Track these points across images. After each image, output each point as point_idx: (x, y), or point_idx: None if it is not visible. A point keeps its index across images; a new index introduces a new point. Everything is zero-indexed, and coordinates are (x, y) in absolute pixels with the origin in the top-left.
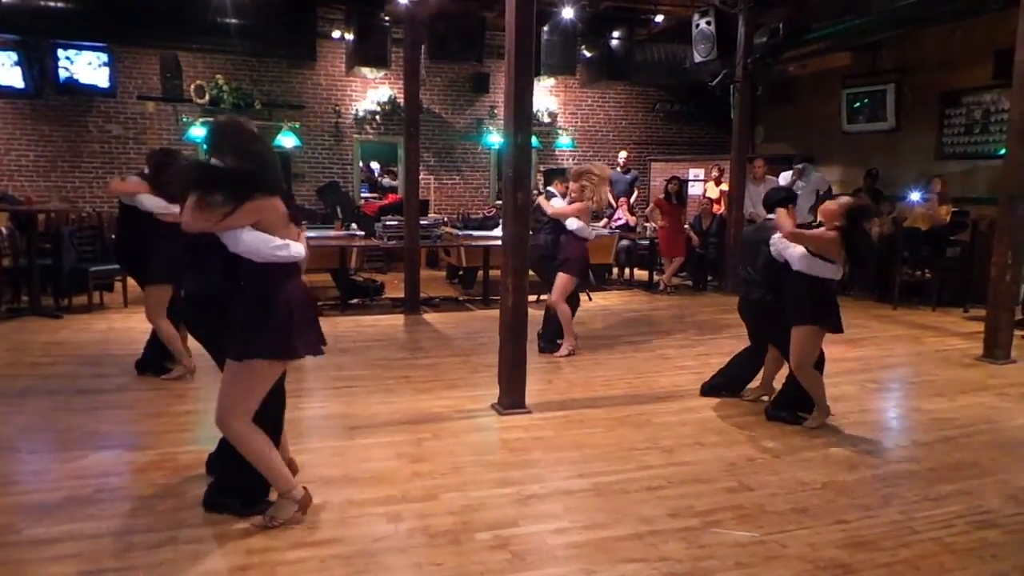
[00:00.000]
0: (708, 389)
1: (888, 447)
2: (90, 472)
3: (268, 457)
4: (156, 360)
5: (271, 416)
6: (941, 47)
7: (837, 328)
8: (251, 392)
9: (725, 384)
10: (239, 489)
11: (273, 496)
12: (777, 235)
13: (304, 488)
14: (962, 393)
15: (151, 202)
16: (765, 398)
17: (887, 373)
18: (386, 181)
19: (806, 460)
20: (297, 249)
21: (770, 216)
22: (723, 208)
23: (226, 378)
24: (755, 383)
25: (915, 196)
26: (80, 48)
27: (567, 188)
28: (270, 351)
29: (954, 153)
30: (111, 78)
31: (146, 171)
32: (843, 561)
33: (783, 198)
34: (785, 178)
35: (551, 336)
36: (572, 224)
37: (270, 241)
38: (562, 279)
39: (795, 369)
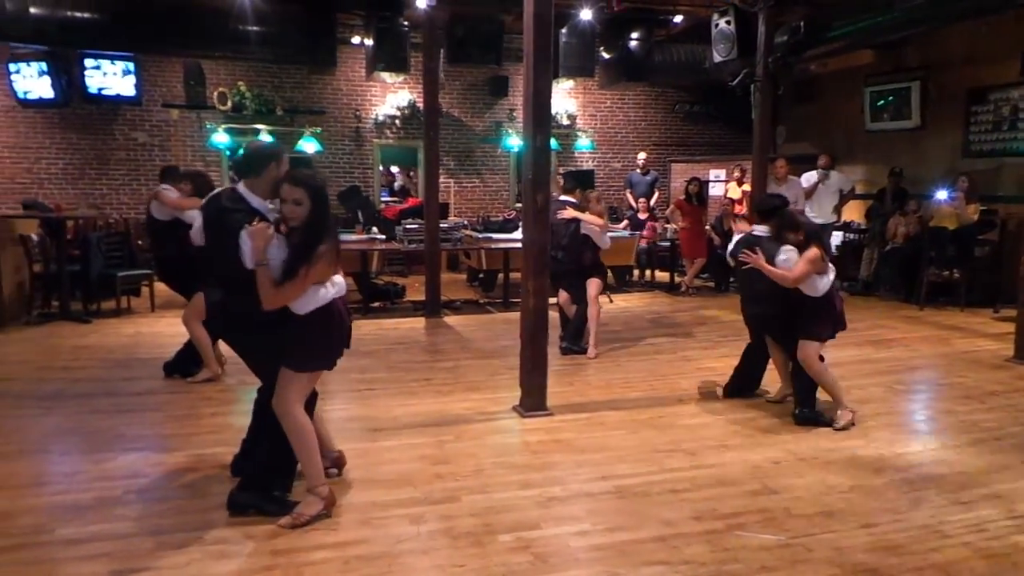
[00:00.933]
0: (730, 391)
1: (917, 450)
2: (119, 473)
3: (313, 449)
4: (184, 363)
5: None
6: (967, 44)
7: (841, 327)
8: (306, 389)
9: (743, 383)
10: (263, 486)
11: (295, 496)
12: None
13: (329, 487)
14: (992, 395)
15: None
16: (790, 397)
17: (915, 375)
18: (396, 184)
19: (832, 463)
20: (340, 286)
21: (759, 230)
22: (745, 209)
23: (283, 381)
24: (778, 385)
25: (942, 195)
26: (106, 58)
27: (584, 198)
28: (325, 363)
29: (981, 151)
30: (136, 86)
31: (174, 187)
32: (871, 566)
33: (775, 207)
34: (809, 179)
35: (573, 335)
36: (606, 244)
37: (317, 292)
38: (597, 284)
39: (805, 368)
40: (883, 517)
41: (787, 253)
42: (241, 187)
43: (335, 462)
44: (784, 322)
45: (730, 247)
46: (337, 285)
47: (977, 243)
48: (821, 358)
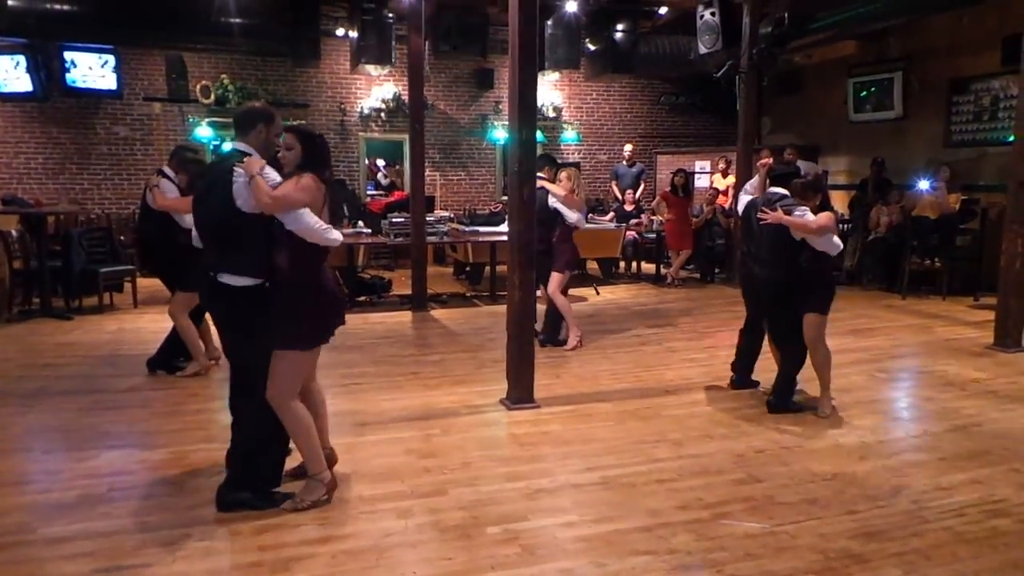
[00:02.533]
0: (740, 383)
1: (898, 437)
2: (104, 471)
3: (311, 435)
4: (168, 358)
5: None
6: (949, 34)
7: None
8: (298, 373)
9: (749, 371)
10: (252, 481)
11: (286, 488)
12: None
13: (331, 473)
14: (973, 382)
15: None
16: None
17: (897, 363)
18: (380, 177)
19: (815, 451)
20: (338, 234)
21: (776, 189)
22: (729, 200)
23: (274, 364)
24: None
25: (924, 184)
26: (87, 50)
27: (555, 176)
28: (311, 342)
29: (963, 140)
30: (117, 80)
31: (166, 170)
32: (854, 551)
33: (789, 172)
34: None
35: (553, 328)
36: (572, 217)
37: (320, 223)
38: (557, 279)
39: (811, 347)
40: (865, 503)
41: (804, 211)
42: (237, 144)
43: (326, 459)
44: (785, 291)
45: (740, 206)
46: (335, 232)
47: (959, 232)
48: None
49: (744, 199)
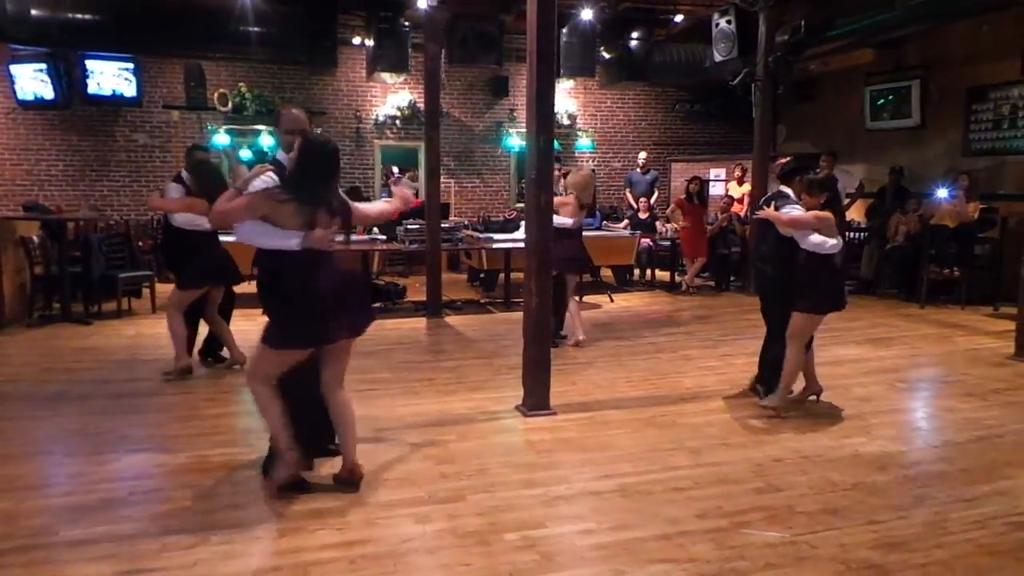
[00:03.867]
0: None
1: (919, 447)
2: (124, 474)
3: (276, 420)
4: (215, 350)
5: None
6: (968, 42)
7: (839, 304)
8: (264, 363)
9: (774, 378)
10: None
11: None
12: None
13: (295, 453)
14: (994, 392)
15: (181, 218)
16: (813, 398)
17: (916, 372)
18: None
19: (835, 460)
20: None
21: (781, 188)
22: (745, 207)
23: (255, 350)
24: (799, 384)
25: (942, 193)
26: (107, 59)
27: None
28: (276, 342)
29: (982, 149)
30: (137, 88)
31: (183, 173)
32: (876, 562)
33: (795, 168)
34: None
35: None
36: (556, 219)
37: (276, 233)
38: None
39: (788, 341)
40: (887, 514)
41: (792, 209)
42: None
43: (351, 472)
44: (782, 289)
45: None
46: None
47: (978, 241)
48: (809, 345)
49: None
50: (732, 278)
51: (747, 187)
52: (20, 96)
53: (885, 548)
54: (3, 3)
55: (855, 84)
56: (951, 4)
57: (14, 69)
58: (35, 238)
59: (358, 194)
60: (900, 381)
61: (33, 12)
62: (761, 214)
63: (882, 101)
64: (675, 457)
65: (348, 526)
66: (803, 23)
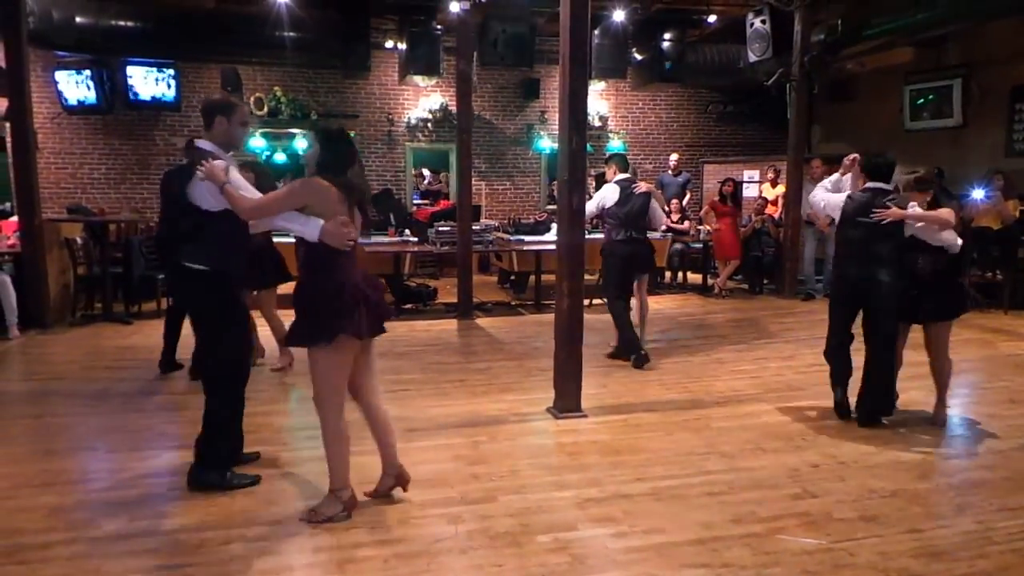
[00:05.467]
0: (864, 417)
1: (961, 454)
2: (164, 471)
3: (340, 453)
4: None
5: None
6: (1011, 40)
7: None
8: (328, 371)
9: (889, 398)
10: (207, 457)
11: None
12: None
13: (353, 492)
14: None
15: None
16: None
17: (958, 378)
18: (431, 187)
19: (873, 467)
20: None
21: (876, 184)
22: (779, 209)
23: (310, 368)
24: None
25: (978, 194)
26: (148, 64)
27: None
28: (326, 336)
29: None
30: (176, 92)
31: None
32: (916, 571)
33: (886, 163)
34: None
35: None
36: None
37: (300, 223)
38: None
39: (942, 354)
40: (928, 522)
41: (913, 206)
42: (198, 140)
43: (397, 478)
44: (900, 298)
45: (819, 204)
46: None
47: (1021, 244)
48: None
49: (824, 197)
50: (766, 281)
51: (781, 189)
52: (65, 101)
53: (927, 557)
54: (49, 12)
55: (894, 84)
56: (993, 1)
57: (59, 75)
58: (78, 239)
59: (390, 196)
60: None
61: (77, 20)
62: (898, 215)
63: (922, 101)
64: (708, 461)
65: (381, 525)
66: (840, 22)
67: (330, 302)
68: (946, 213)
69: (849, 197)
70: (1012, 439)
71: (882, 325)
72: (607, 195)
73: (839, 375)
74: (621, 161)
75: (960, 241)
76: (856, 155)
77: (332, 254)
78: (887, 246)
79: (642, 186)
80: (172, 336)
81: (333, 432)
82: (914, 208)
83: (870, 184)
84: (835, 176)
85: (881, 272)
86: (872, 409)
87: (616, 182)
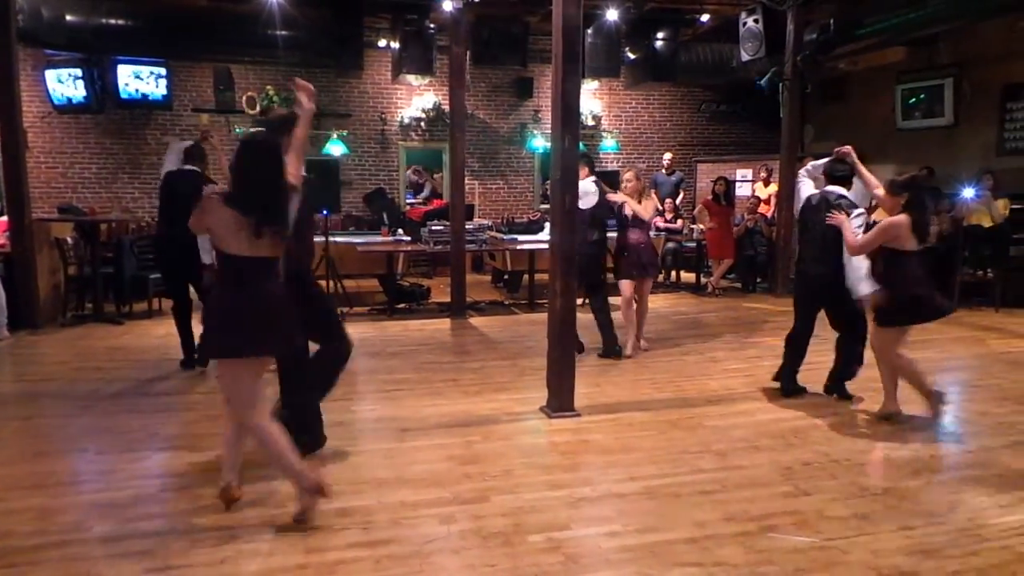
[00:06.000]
0: (833, 390)
1: (953, 452)
2: (155, 472)
3: (281, 452)
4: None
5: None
6: (1002, 40)
7: (929, 314)
8: (234, 383)
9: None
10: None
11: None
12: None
13: (314, 474)
14: None
15: (205, 243)
16: (896, 415)
17: (950, 376)
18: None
19: (865, 465)
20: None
21: (834, 189)
22: (772, 208)
23: (231, 387)
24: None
25: (969, 193)
26: (139, 63)
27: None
28: (214, 352)
29: (1016, 148)
30: (167, 91)
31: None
32: (909, 569)
33: (847, 176)
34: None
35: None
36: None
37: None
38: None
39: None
40: (920, 520)
41: (860, 218)
42: None
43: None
44: (839, 292)
45: (803, 188)
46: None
47: (1013, 242)
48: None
49: (802, 179)
50: (759, 279)
51: (773, 188)
52: (55, 100)
53: (919, 555)
54: (39, 10)
55: (885, 83)
56: (984, 1)
57: (49, 74)
58: (69, 239)
59: (383, 195)
60: (933, 385)
61: (67, 18)
62: (838, 222)
63: (914, 100)
64: (701, 460)
65: (373, 525)
66: (832, 21)
67: (226, 318)
68: (872, 234)
69: (808, 199)
70: (1003, 436)
71: (841, 313)
72: (590, 195)
73: (792, 361)
74: (589, 162)
75: (865, 290)
76: (849, 147)
77: (233, 269)
78: (839, 246)
79: (616, 197)
80: (187, 334)
81: (265, 435)
82: (860, 218)
83: (828, 188)
84: (820, 161)
85: (824, 266)
86: (841, 377)
87: (594, 182)
